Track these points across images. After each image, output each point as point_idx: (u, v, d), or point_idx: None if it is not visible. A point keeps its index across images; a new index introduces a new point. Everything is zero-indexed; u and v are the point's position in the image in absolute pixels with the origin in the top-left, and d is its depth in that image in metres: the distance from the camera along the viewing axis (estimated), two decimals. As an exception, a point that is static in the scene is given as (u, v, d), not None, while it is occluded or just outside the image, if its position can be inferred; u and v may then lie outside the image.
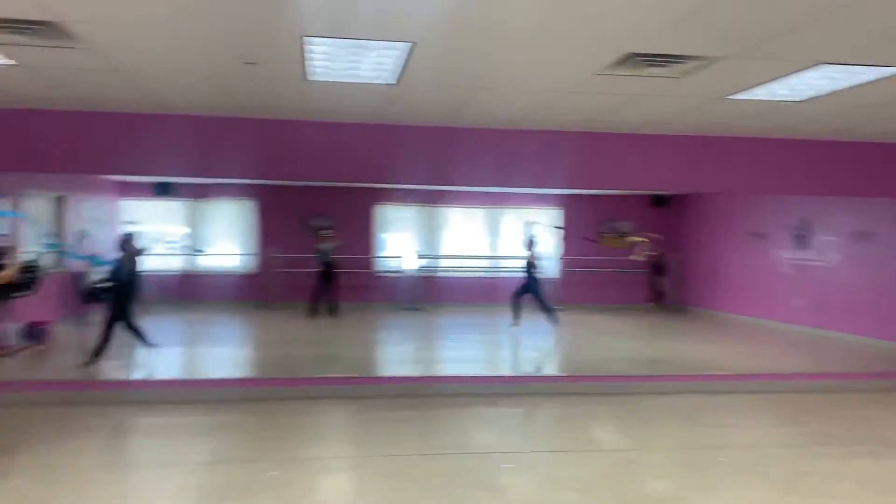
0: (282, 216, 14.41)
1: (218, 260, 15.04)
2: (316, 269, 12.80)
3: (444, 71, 5.30)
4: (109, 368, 7.85)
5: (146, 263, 9.11)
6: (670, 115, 6.78)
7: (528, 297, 11.19)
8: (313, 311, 12.52)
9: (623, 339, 11.40)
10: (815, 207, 11.65)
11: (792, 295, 11.98)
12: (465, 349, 10.20)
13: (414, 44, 4.59)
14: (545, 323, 10.98)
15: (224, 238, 15.29)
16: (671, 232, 15.06)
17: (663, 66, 5.01)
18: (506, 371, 9.19)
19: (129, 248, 8.21)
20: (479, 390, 7.29)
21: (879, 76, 5.22)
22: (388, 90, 5.88)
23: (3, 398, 6.63)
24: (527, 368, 9.62)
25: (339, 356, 9.42)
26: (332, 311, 12.60)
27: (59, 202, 10.95)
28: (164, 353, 8.72)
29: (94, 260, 10.46)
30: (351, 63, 5.11)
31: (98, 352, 7.80)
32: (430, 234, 15.43)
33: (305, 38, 4.53)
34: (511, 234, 15.23)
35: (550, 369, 9.66)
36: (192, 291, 14.13)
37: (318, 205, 14.25)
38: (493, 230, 15.59)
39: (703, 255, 14.61)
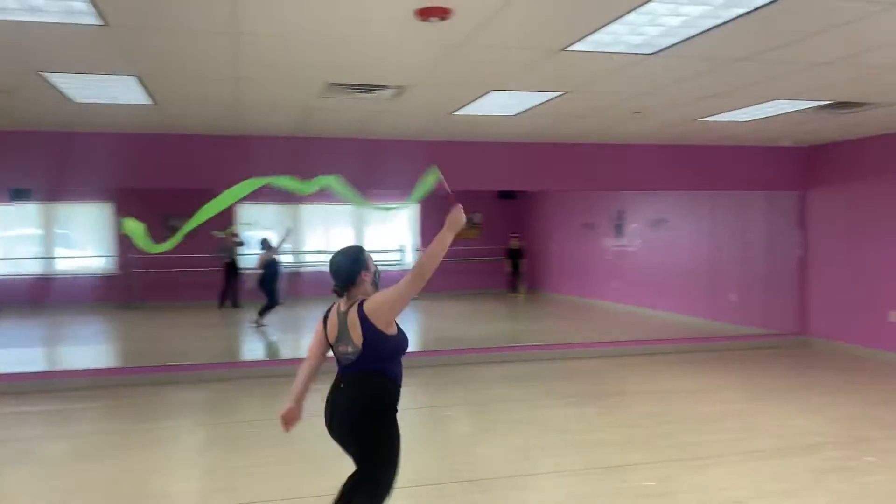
0: (142, 216, 14.16)
1: (76, 262, 14.93)
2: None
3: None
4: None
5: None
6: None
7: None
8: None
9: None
10: (628, 200, 13.14)
11: (614, 277, 13.63)
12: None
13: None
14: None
15: (82, 241, 15.17)
16: (519, 223, 16.59)
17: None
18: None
19: None
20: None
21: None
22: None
23: None
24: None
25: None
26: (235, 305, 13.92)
27: None
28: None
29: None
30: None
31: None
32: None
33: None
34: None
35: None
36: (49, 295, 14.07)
37: (179, 205, 14.24)
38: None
39: (548, 244, 16.10)
